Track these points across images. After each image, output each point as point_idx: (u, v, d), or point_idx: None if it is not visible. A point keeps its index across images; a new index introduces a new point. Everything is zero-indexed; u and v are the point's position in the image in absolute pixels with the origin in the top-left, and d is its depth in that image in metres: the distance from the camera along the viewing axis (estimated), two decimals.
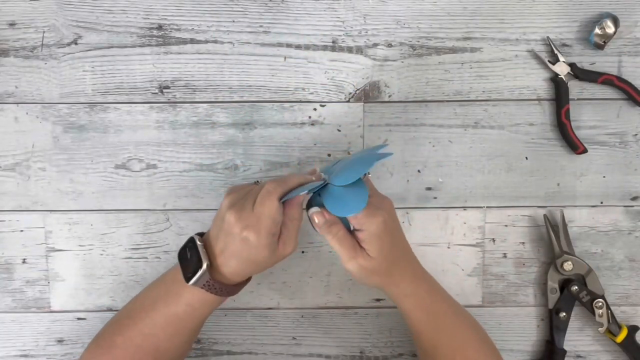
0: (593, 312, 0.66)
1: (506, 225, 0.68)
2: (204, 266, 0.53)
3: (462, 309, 0.61)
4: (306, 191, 0.54)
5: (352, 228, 0.55)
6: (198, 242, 0.55)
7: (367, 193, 0.53)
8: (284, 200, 0.54)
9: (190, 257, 0.55)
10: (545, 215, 0.66)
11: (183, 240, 0.57)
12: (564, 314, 0.66)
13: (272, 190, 0.53)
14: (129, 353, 0.57)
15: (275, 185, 0.53)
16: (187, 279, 0.54)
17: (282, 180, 0.54)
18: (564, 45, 0.66)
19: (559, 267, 0.66)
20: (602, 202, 0.67)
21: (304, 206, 0.57)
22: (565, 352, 0.67)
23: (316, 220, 0.55)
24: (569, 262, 0.65)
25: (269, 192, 0.53)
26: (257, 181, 0.57)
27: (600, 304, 0.66)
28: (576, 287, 0.66)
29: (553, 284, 0.67)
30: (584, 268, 0.66)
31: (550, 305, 0.67)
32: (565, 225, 0.67)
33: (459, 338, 0.58)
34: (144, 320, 0.57)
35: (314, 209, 0.55)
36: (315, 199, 0.56)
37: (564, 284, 0.67)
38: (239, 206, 0.53)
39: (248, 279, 0.59)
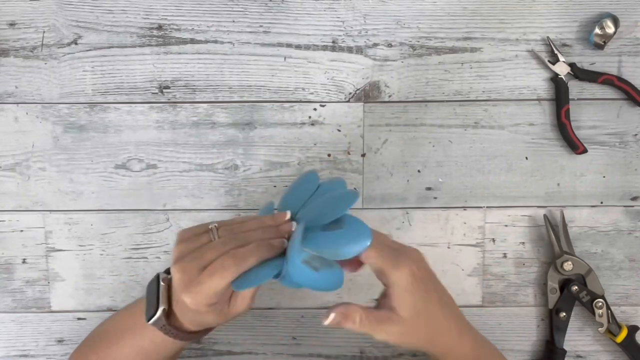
0: (593, 312, 0.66)
1: (506, 225, 0.68)
2: (160, 311, 0.50)
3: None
4: (270, 277, 0.47)
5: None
6: (161, 283, 0.52)
7: (366, 225, 0.48)
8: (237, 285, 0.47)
9: (149, 296, 0.52)
10: (545, 215, 0.66)
11: None
12: (564, 314, 0.66)
13: (227, 267, 0.46)
14: None
15: (231, 264, 0.46)
16: (147, 318, 0.51)
17: (239, 255, 0.47)
18: (564, 45, 0.66)
19: (559, 267, 0.66)
20: (602, 202, 0.68)
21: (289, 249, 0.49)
22: (565, 352, 0.67)
23: (327, 323, 0.49)
24: (569, 262, 0.65)
25: (222, 268, 0.46)
26: (213, 227, 0.50)
27: (600, 304, 0.66)
28: (576, 287, 0.66)
29: (553, 284, 0.67)
30: (584, 268, 0.66)
31: (550, 305, 0.67)
32: (565, 225, 0.67)
33: None
34: (114, 347, 0.55)
35: (331, 317, 0.48)
36: (303, 248, 0.47)
37: (564, 284, 0.67)
38: (185, 264, 0.47)
39: (209, 329, 0.55)
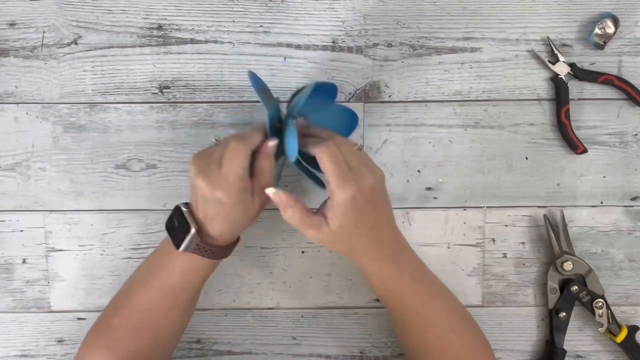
0: (593, 312, 0.66)
1: (506, 225, 0.68)
2: (192, 230, 0.54)
3: (440, 291, 0.60)
4: (276, 141, 0.55)
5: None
6: (184, 209, 0.55)
7: (353, 112, 0.56)
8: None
9: (178, 225, 0.55)
10: (545, 215, 0.66)
11: None
12: (564, 313, 0.66)
13: (238, 148, 0.53)
14: (127, 334, 0.57)
15: (239, 142, 0.53)
16: (177, 246, 0.54)
17: (244, 136, 0.54)
18: (564, 45, 0.66)
19: (559, 267, 0.66)
20: (602, 202, 0.68)
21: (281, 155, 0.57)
22: (565, 352, 0.67)
23: (275, 201, 0.54)
24: (569, 262, 0.65)
25: (234, 150, 0.53)
26: (217, 139, 0.56)
27: (600, 304, 0.66)
28: (576, 287, 0.66)
29: (553, 284, 0.67)
30: (584, 268, 0.66)
31: (550, 305, 0.67)
32: (565, 225, 0.67)
33: (430, 317, 0.58)
34: (139, 297, 0.57)
35: (270, 190, 0.54)
36: (288, 142, 0.55)
37: (564, 284, 0.67)
38: (206, 170, 0.53)
39: (237, 241, 0.59)
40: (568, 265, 0.65)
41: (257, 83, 0.57)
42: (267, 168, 0.55)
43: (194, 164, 0.54)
